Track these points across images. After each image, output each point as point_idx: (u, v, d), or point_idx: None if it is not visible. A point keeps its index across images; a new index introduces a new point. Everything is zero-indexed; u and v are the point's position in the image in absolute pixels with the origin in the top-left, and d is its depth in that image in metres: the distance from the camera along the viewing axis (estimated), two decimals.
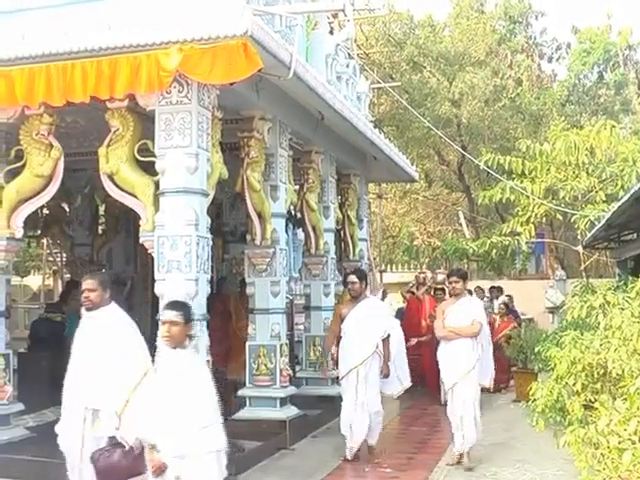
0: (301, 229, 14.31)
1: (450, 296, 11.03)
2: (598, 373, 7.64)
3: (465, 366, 10.29)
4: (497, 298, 19.22)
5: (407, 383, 12.01)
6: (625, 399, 6.43)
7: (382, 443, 11.63)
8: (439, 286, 16.70)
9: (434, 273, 19.72)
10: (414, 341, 15.42)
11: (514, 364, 16.34)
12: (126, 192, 9.18)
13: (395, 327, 11.91)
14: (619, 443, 5.81)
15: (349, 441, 10.57)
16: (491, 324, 16.19)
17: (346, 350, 10.61)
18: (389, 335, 10.76)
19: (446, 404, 12.78)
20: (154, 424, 6.38)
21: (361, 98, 16.09)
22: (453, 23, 34.12)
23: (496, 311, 18.25)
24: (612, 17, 36.25)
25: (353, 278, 10.86)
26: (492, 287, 21.01)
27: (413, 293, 17.99)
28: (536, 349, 12.14)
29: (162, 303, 8.86)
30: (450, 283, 10.80)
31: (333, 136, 13.85)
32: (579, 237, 18.86)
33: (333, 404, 13.38)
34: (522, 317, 21.65)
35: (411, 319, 16.76)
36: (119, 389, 7.22)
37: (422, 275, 20.23)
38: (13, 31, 9.17)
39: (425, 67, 32.24)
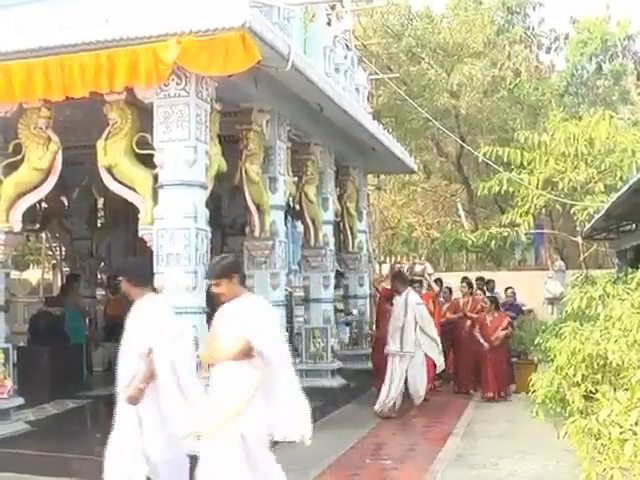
0: (300, 221, 14.31)
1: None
2: (598, 364, 7.63)
3: (227, 409, 6.68)
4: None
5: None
6: (626, 389, 6.43)
7: (381, 436, 11.73)
8: (417, 278, 16.41)
9: (412, 263, 19.41)
10: None
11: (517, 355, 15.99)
12: (125, 185, 9.19)
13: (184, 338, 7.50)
14: (620, 434, 5.80)
15: None
16: (480, 321, 15.70)
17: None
18: (151, 350, 7.09)
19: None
20: None
21: (359, 90, 16.09)
22: (451, 14, 34.01)
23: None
24: (610, 7, 36.15)
25: (120, 277, 7.65)
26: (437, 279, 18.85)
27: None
28: (536, 340, 12.12)
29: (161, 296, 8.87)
30: (211, 287, 7.25)
31: (332, 128, 13.83)
32: (578, 228, 18.83)
33: (332, 396, 13.44)
34: (522, 308, 21.34)
35: (384, 313, 14.95)
36: None
37: (397, 266, 19.91)
38: (11, 25, 9.15)
39: (423, 58, 32.17)
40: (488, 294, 17.78)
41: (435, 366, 14.21)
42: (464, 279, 18.13)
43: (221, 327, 6.99)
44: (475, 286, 17.83)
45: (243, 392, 6.66)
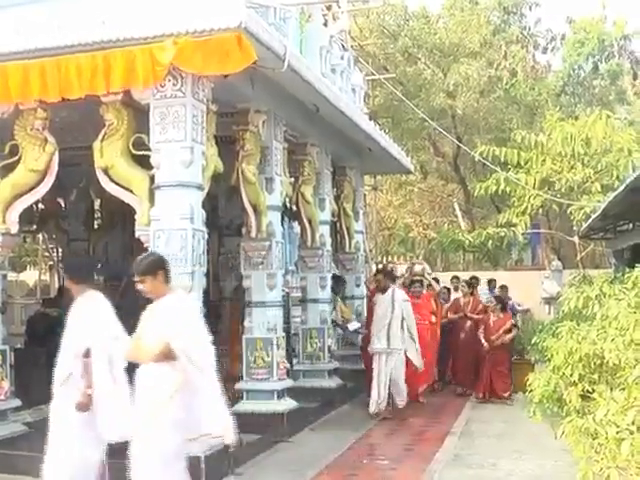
0: (297, 222, 14.31)
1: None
2: (595, 363, 7.63)
3: (146, 412, 6.61)
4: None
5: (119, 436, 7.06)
6: (623, 389, 6.42)
7: (378, 437, 11.75)
8: (416, 278, 16.12)
9: (411, 263, 19.22)
10: None
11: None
12: (121, 186, 9.18)
13: (119, 339, 7.29)
14: (617, 433, 5.80)
15: None
16: (484, 321, 15.34)
17: None
18: (89, 351, 7.17)
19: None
20: None
21: (356, 90, 16.07)
22: (447, 14, 34.08)
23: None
24: (607, 7, 36.20)
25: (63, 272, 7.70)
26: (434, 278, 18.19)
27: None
28: (533, 340, 12.11)
29: None
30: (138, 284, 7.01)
31: (328, 128, 13.83)
32: (575, 228, 18.86)
33: (330, 396, 13.43)
34: (518, 308, 21.25)
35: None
36: None
37: (391, 266, 19.69)
38: (7, 25, 9.14)
39: (419, 59, 32.25)
40: (489, 294, 17.68)
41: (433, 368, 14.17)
42: (454, 278, 17.98)
43: (146, 327, 6.84)
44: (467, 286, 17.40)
45: (162, 394, 6.52)
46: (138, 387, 6.74)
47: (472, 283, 17.28)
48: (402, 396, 13.33)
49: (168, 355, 6.50)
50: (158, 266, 6.96)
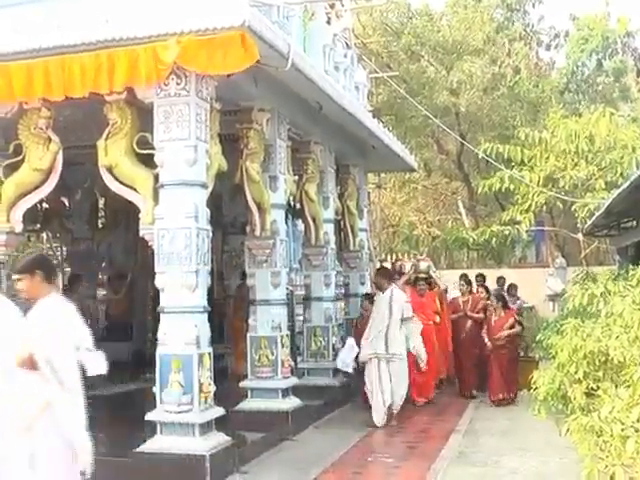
0: (301, 220, 14.31)
1: None
2: (600, 361, 7.61)
3: (14, 425, 6.04)
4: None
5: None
6: (628, 386, 6.42)
7: (382, 435, 11.75)
8: (422, 275, 15.71)
9: (416, 260, 18.96)
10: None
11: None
12: (125, 185, 9.20)
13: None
14: (622, 430, 5.79)
15: None
16: (487, 321, 14.86)
17: None
18: None
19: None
20: None
21: (359, 88, 16.09)
22: (450, 12, 34.01)
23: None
24: (610, 4, 36.09)
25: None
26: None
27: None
28: (537, 337, 12.07)
29: (163, 296, 8.89)
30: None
31: (332, 126, 13.83)
32: (579, 225, 18.80)
33: (334, 395, 13.43)
34: (524, 305, 21.01)
35: None
36: None
37: (399, 263, 19.51)
38: (9, 25, 9.15)
39: (423, 56, 32.18)
40: (494, 292, 17.51)
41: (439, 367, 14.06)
42: (463, 276, 17.80)
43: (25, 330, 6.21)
44: (475, 283, 17.09)
45: (30, 406, 5.99)
46: (8, 394, 6.14)
47: (470, 280, 16.84)
48: (398, 405, 12.57)
49: (32, 365, 5.95)
50: (35, 265, 6.46)
